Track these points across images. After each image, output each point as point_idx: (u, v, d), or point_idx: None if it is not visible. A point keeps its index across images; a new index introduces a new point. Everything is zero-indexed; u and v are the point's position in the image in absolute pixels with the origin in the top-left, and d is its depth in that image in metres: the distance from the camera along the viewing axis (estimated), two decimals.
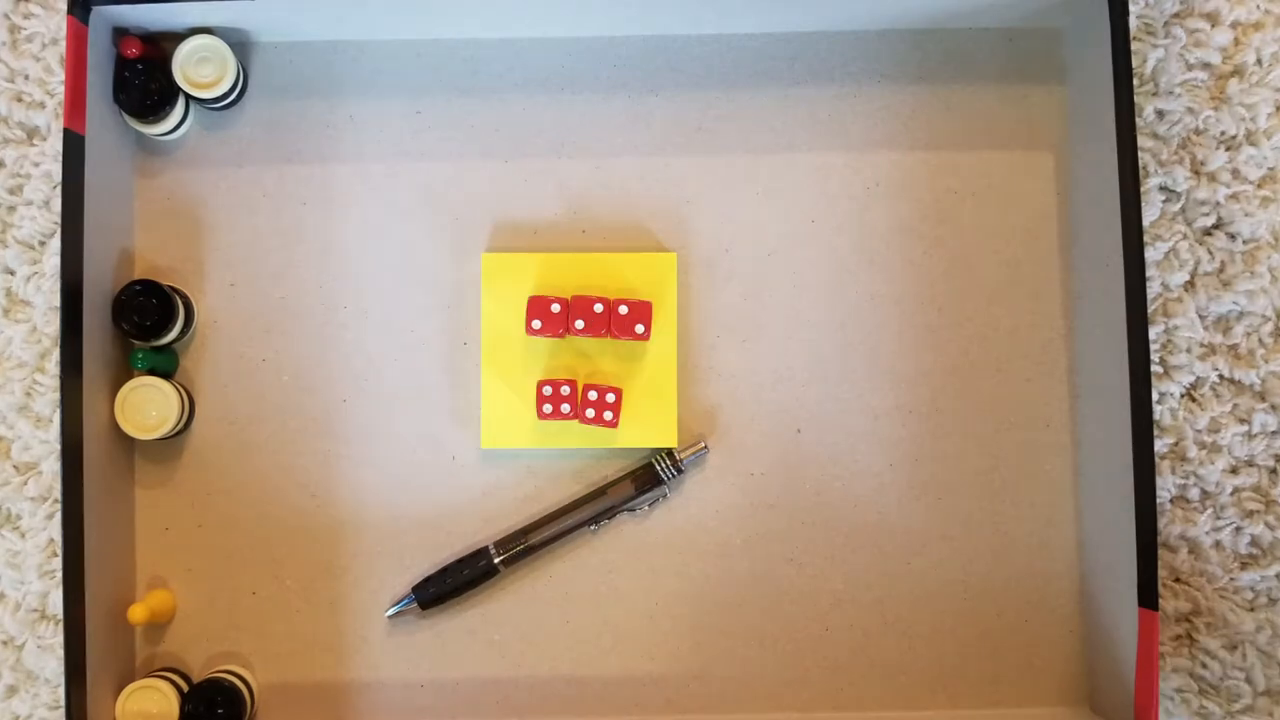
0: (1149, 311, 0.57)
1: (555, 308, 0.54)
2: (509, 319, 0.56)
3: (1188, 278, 0.59)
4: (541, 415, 0.54)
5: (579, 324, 0.54)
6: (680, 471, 0.56)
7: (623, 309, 0.54)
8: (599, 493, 0.57)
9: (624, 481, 0.57)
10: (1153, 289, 0.59)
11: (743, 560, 0.57)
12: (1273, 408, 0.58)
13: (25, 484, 0.58)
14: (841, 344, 0.58)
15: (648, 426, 0.56)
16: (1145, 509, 0.52)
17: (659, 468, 0.56)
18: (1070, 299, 0.58)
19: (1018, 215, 0.58)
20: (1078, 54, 0.57)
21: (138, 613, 0.53)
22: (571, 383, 0.54)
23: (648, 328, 0.54)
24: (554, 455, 0.57)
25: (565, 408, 0.54)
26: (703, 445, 0.57)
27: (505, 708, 0.57)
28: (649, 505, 0.57)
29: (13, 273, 0.58)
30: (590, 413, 0.55)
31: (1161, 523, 0.58)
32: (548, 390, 0.54)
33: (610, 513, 0.57)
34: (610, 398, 0.54)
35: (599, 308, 0.54)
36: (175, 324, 0.55)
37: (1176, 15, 0.59)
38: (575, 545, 0.57)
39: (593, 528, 0.57)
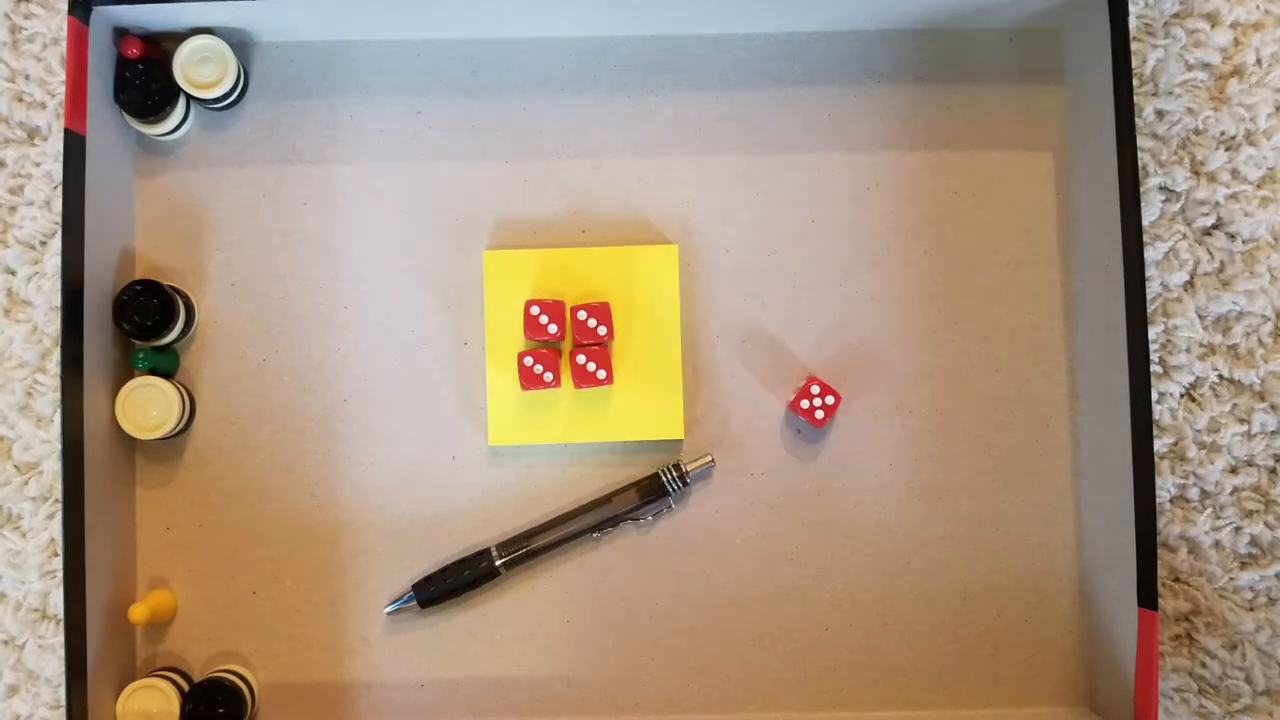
0: (1149, 311, 0.57)
1: (552, 328, 0.54)
2: (512, 315, 0.56)
3: (1187, 278, 0.59)
4: (525, 387, 0.54)
5: (552, 328, 0.54)
6: (686, 484, 0.56)
7: (581, 314, 0.54)
8: (604, 501, 0.57)
9: (629, 491, 0.57)
10: (1152, 289, 0.59)
11: (743, 560, 0.57)
12: (1272, 408, 0.58)
13: (26, 484, 0.58)
14: (841, 344, 0.58)
15: (655, 419, 0.56)
16: (1145, 509, 0.53)
17: (665, 479, 0.56)
18: (1070, 299, 0.58)
19: (1018, 215, 0.58)
20: (1078, 54, 0.57)
21: (138, 612, 0.53)
22: (553, 352, 0.54)
23: (609, 329, 0.54)
24: (555, 456, 0.57)
25: (548, 376, 0.54)
26: (709, 459, 0.57)
27: (505, 708, 0.57)
28: (653, 516, 0.57)
29: (14, 273, 0.58)
30: (582, 364, 0.54)
31: (1161, 523, 0.58)
32: (529, 360, 0.54)
33: (614, 521, 0.57)
34: (592, 366, 0.54)
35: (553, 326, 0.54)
36: (176, 324, 0.55)
37: (1176, 15, 0.59)
38: (576, 546, 0.57)
39: (596, 535, 0.57)
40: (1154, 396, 0.58)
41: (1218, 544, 0.58)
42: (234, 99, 0.57)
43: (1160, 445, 0.59)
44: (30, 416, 0.58)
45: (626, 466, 0.57)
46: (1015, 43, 0.59)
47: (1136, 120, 0.57)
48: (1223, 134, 0.59)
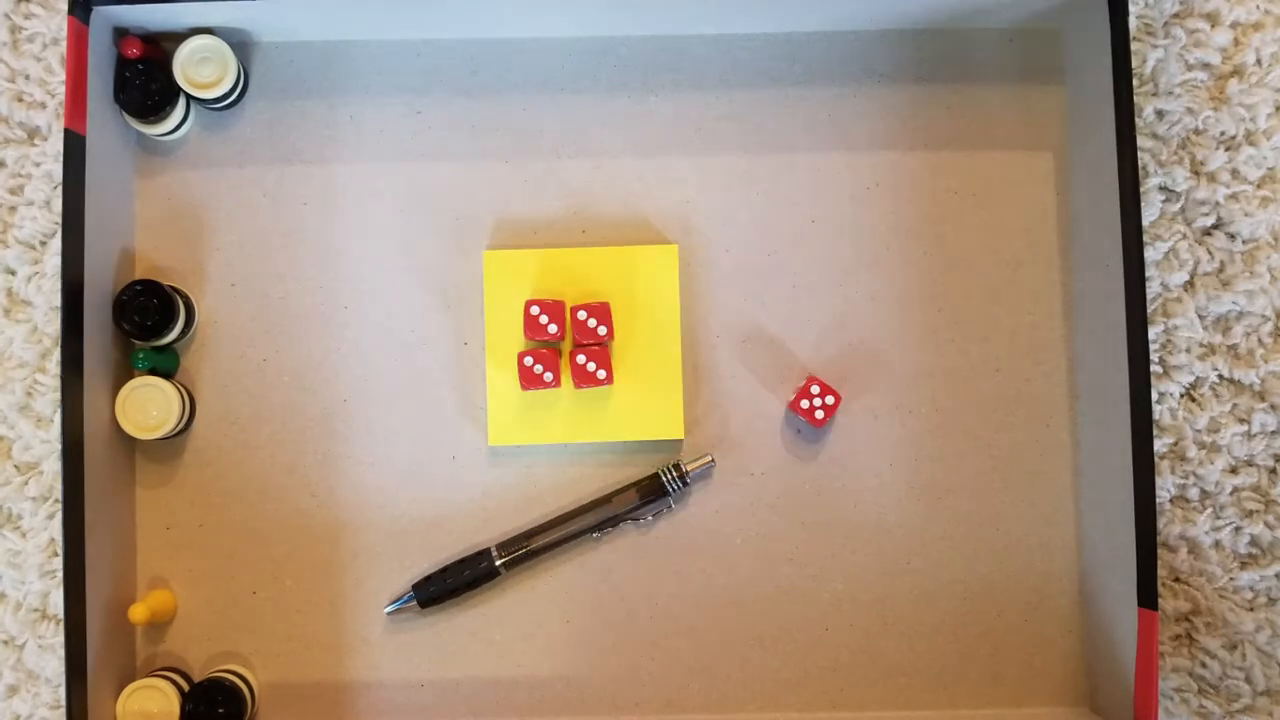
0: (1149, 311, 0.57)
1: (552, 328, 0.54)
2: (512, 315, 0.56)
3: (1187, 278, 0.59)
4: (525, 386, 0.54)
5: (552, 328, 0.54)
6: (686, 484, 0.56)
7: (581, 314, 0.54)
8: (604, 501, 0.57)
9: (629, 491, 0.57)
10: (1152, 289, 0.59)
11: (743, 560, 0.57)
12: (1272, 407, 0.58)
13: (26, 484, 0.58)
14: (841, 344, 0.58)
15: (655, 419, 0.56)
16: (1145, 509, 0.53)
17: (665, 479, 0.56)
18: (1070, 299, 0.58)
19: (1018, 215, 0.58)
20: (1078, 54, 0.57)
21: (138, 612, 0.53)
22: (553, 352, 0.55)
23: (609, 328, 0.54)
24: (555, 456, 0.57)
25: (548, 376, 0.54)
26: (709, 459, 0.57)
27: (505, 708, 0.57)
28: (653, 516, 0.57)
29: (14, 273, 0.58)
30: (582, 364, 0.54)
31: (1161, 523, 0.58)
32: (529, 360, 0.54)
33: (614, 521, 0.57)
34: (592, 366, 0.54)
35: (552, 326, 0.54)
36: (176, 324, 0.55)
37: (1176, 15, 0.59)
38: (576, 546, 0.57)
39: (596, 535, 0.57)
40: (1154, 396, 0.58)
41: (1218, 544, 0.58)
42: (234, 99, 0.57)
43: (1160, 445, 0.59)
44: (30, 416, 0.58)
45: (626, 466, 0.57)
46: (1015, 43, 0.59)
47: (1136, 120, 0.57)
48: (1223, 134, 0.59)
